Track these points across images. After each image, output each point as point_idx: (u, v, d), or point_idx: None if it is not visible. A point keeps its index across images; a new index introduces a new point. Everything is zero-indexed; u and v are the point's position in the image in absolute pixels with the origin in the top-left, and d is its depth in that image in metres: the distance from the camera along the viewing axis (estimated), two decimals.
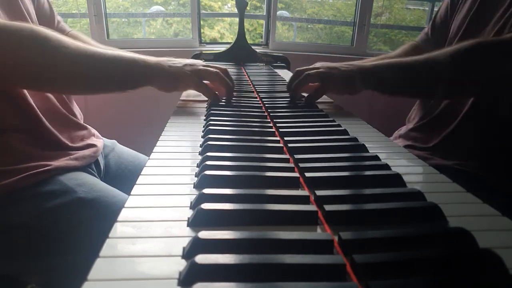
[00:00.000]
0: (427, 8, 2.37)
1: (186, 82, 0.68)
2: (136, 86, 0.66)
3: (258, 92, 0.83)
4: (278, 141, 0.51)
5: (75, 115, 0.76)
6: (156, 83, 0.67)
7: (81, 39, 0.87)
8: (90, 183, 0.65)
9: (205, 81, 0.71)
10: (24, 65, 0.56)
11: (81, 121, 0.78)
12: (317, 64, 0.75)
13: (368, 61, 0.80)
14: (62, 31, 0.84)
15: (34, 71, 0.57)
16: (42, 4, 0.80)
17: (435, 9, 2.09)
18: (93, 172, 0.75)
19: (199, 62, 0.72)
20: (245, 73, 1.12)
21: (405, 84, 0.71)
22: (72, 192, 0.61)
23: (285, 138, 0.51)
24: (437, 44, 0.88)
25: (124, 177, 0.84)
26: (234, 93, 0.75)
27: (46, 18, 0.81)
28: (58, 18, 0.86)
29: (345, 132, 0.56)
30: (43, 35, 0.56)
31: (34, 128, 0.64)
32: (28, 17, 0.69)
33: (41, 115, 0.65)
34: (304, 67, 0.74)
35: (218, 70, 0.71)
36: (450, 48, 0.68)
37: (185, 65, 0.68)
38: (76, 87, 0.64)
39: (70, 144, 0.70)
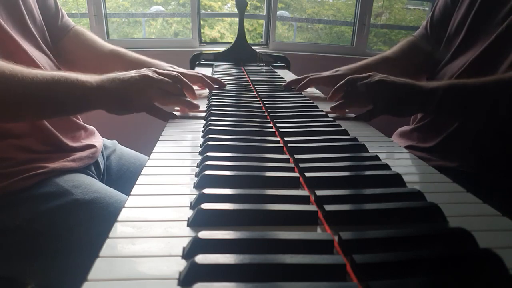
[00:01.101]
0: (427, 8, 2.37)
1: (134, 107, 0.61)
2: (80, 111, 0.60)
3: (258, 92, 0.83)
4: (278, 141, 0.51)
5: (75, 116, 0.76)
6: (101, 107, 0.59)
7: (86, 35, 0.87)
8: (87, 184, 0.64)
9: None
10: None
11: (80, 121, 0.78)
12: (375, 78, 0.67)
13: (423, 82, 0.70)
14: (65, 27, 0.83)
15: None
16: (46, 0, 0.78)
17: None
18: (91, 173, 0.74)
19: (147, 77, 0.62)
20: (245, 73, 1.12)
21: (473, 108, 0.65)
22: (68, 194, 0.61)
23: (285, 138, 0.51)
24: (436, 42, 0.87)
25: (126, 178, 0.83)
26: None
27: (51, 13, 0.79)
28: (62, 12, 0.83)
29: (345, 132, 0.56)
30: None
31: (34, 130, 0.64)
32: (28, 16, 0.69)
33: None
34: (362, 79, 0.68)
35: (167, 94, 0.63)
36: None
37: (131, 84, 0.60)
38: (11, 117, 0.57)
39: (70, 144, 0.70)
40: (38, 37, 0.71)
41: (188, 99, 0.67)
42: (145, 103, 0.62)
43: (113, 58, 0.87)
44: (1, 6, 0.63)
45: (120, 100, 0.60)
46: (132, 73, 0.62)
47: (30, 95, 0.54)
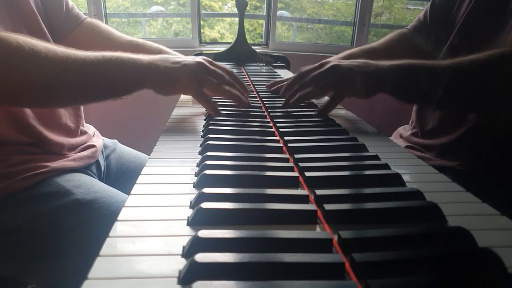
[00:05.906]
0: None
1: (184, 88, 0.60)
2: (128, 92, 0.59)
3: (258, 92, 0.83)
4: (278, 141, 0.51)
5: (76, 123, 0.76)
6: (151, 86, 0.59)
7: (101, 27, 0.84)
8: (88, 184, 0.64)
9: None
10: None
11: (82, 126, 0.78)
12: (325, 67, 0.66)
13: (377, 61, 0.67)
14: (73, 19, 0.80)
15: (8, 88, 0.50)
16: None
17: None
18: (92, 173, 0.74)
19: (203, 64, 0.62)
20: (245, 73, 1.12)
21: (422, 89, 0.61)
22: (69, 194, 0.61)
23: (285, 138, 0.51)
24: (433, 33, 0.84)
25: (125, 177, 0.83)
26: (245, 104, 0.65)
27: (53, 6, 0.76)
28: (70, 5, 0.80)
29: (345, 132, 0.56)
30: (14, 45, 0.48)
31: (33, 140, 0.64)
32: (30, 14, 0.67)
33: (40, 126, 0.65)
34: (310, 72, 0.67)
35: (220, 83, 0.62)
36: (479, 55, 0.59)
37: (185, 65, 0.60)
38: (56, 101, 0.58)
39: (69, 153, 0.71)
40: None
41: (237, 92, 0.64)
42: (194, 87, 0.61)
43: (131, 49, 0.80)
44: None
45: (171, 80, 0.59)
46: (188, 58, 0.63)
47: (85, 76, 0.54)
